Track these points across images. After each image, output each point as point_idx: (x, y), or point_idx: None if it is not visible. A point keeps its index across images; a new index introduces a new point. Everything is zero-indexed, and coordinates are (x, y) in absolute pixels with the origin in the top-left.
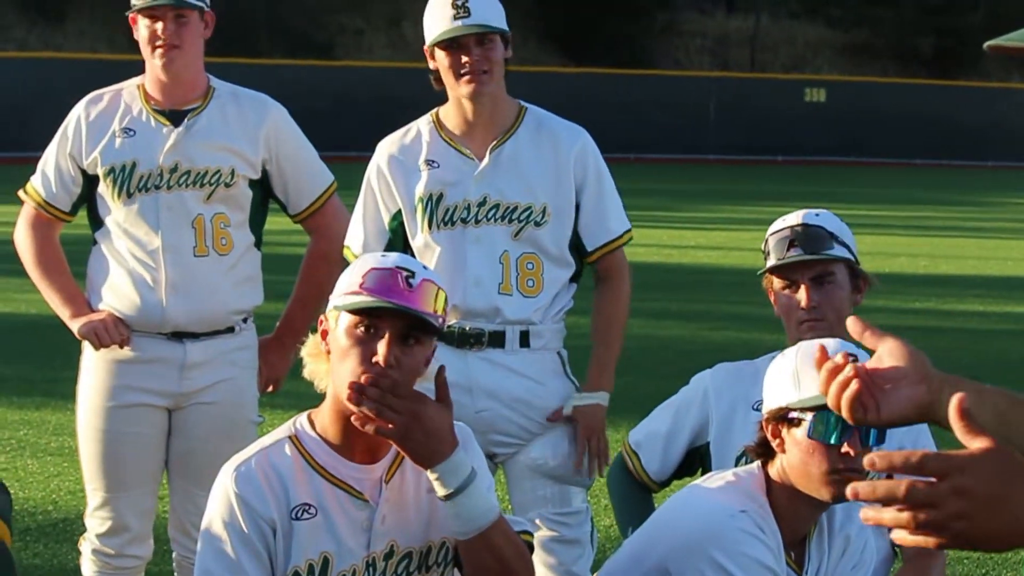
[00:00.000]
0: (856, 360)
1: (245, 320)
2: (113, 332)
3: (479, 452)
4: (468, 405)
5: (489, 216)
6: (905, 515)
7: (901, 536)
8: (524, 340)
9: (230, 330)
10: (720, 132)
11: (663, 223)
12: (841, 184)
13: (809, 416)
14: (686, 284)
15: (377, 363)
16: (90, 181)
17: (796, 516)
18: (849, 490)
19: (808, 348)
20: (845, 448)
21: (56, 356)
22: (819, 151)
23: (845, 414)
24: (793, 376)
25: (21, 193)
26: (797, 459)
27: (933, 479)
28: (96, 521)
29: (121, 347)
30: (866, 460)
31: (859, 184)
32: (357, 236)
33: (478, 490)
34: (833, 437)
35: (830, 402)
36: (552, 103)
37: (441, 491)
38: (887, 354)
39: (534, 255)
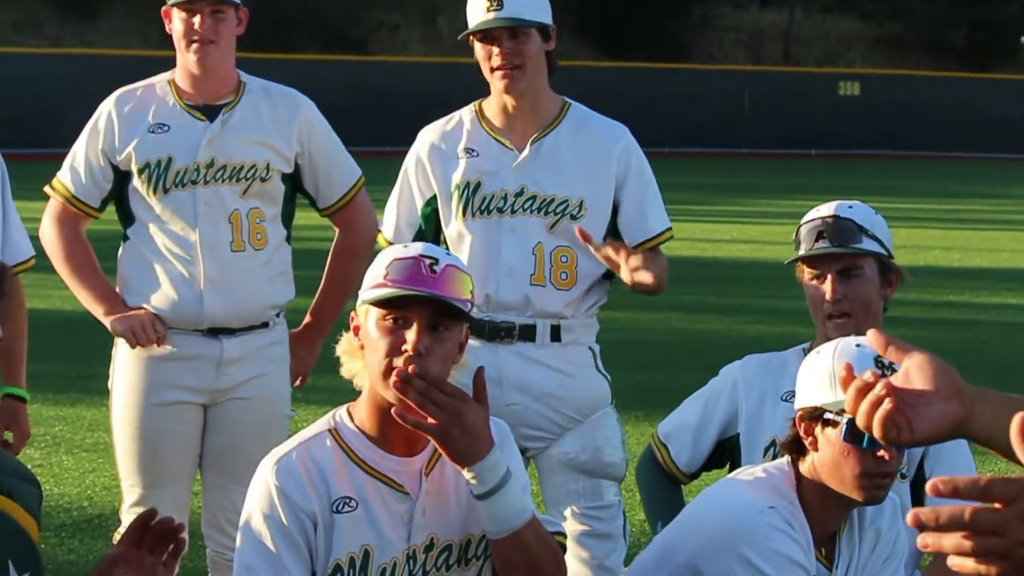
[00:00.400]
0: (885, 369)
1: (278, 315)
2: (150, 331)
3: (516, 451)
4: (498, 398)
5: (526, 207)
6: (968, 543)
7: (960, 563)
8: (555, 334)
9: (264, 325)
10: (754, 126)
11: (697, 217)
12: (875, 177)
13: (845, 419)
14: (720, 278)
15: (407, 351)
16: (122, 177)
17: (826, 513)
18: (910, 517)
19: (846, 348)
20: (880, 452)
21: (91, 352)
22: (853, 144)
23: (877, 434)
24: (829, 377)
25: (47, 189)
26: (830, 459)
27: (998, 505)
28: (133, 518)
29: (158, 345)
30: (929, 486)
31: (893, 177)
32: (390, 222)
33: (512, 490)
34: (868, 441)
35: (860, 422)
36: (586, 96)
37: (476, 490)
38: (915, 369)
39: (568, 248)
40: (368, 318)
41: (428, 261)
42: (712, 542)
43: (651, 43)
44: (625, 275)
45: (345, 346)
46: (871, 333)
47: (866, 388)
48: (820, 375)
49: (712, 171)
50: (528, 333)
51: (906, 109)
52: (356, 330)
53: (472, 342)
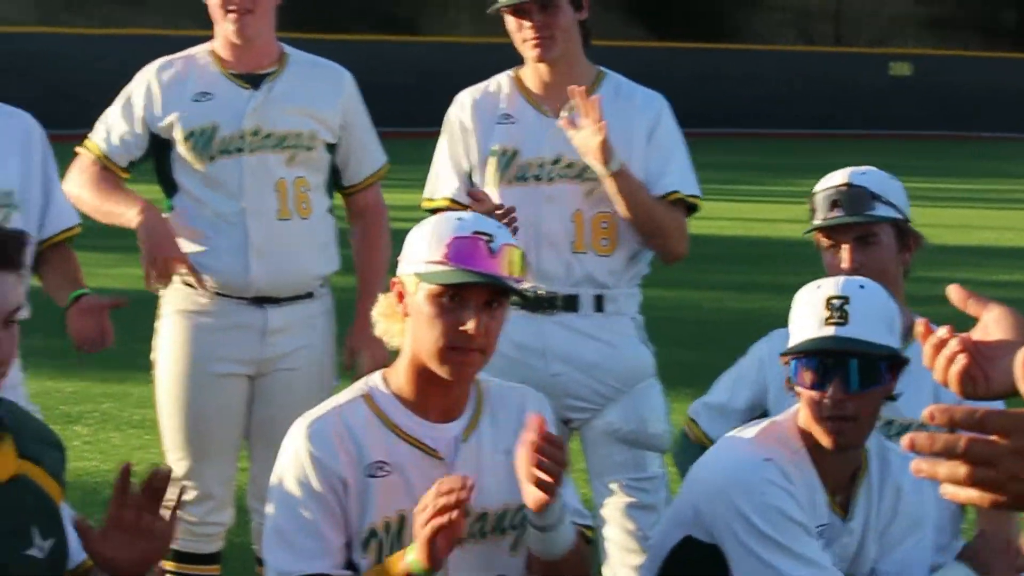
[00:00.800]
0: (834, 311)
1: (322, 285)
2: (161, 268)
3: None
4: (542, 369)
5: (563, 175)
6: (963, 470)
7: (953, 492)
8: (598, 304)
9: (309, 295)
10: (804, 106)
11: (747, 196)
12: (925, 158)
13: (791, 363)
14: (771, 257)
15: (468, 332)
16: (163, 145)
17: (827, 460)
18: (906, 440)
19: (803, 292)
20: (826, 393)
21: (138, 329)
22: (904, 125)
23: (954, 389)
24: (794, 321)
25: (79, 148)
26: (803, 405)
27: (995, 437)
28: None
29: (197, 282)
30: (925, 412)
31: (944, 158)
32: (450, 183)
33: (565, 526)
34: (804, 384)
35: (937, 377)
36: (633, 76)
37: (536, 521)
38: (992, 322)
39: (608, 214)
40: (419, 291)
41: (486, 239)
42: (712, 496)
43: (699, 23)
44: (578, 141)
45: (384, 308)
46: (952, 288)
47: (941, 344)
48: (790, 322)
49: (762, 151)
50: (571, 304)
51: (957, 90)
52: (400, 296)
53: (515, 312)
